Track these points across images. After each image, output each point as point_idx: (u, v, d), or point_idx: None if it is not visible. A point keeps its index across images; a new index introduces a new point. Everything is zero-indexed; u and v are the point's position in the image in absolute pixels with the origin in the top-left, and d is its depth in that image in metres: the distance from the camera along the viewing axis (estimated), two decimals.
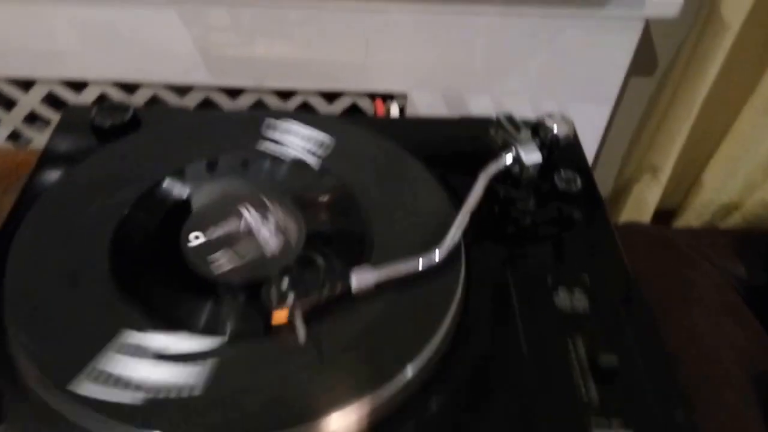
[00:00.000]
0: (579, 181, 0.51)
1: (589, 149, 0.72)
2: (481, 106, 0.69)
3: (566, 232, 0.48)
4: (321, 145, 0.50)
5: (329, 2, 0.60)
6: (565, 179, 0.52)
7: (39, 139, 0.72)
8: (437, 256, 0.40)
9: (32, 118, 0.71)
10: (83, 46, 0.63)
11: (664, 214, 0.92)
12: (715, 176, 0.84)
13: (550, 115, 0.52)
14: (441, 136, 0.55)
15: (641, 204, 0.89)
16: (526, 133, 0.50)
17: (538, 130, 0.52)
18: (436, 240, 0.41)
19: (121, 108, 0.53)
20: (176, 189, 0.46)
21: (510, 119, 0.51)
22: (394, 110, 0.68)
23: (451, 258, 0.41)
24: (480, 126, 0.52)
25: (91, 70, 0.66)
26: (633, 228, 0.84)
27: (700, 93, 0.76)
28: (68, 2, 0.60)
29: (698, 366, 0.61)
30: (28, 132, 0.72)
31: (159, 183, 0.46)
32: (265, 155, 0.49)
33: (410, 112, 0.70)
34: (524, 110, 0.69)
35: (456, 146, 0.53)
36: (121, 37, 0.62)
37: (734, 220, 0.85)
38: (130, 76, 0.66)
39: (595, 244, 0.47)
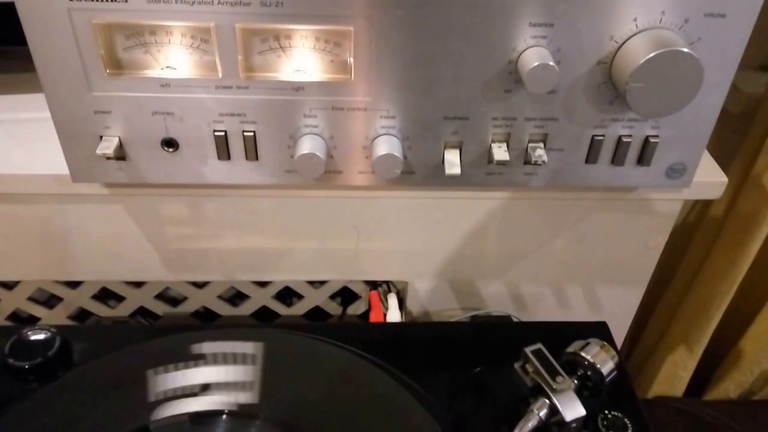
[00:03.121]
0: (630, 430, 0.40)
1: (618, 337, 0.61)
2: (493, 292, 0.58)
3: None
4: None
5: (305, 191, 0.50)
6: (612, 425, 0.41)
7: None
8: None
9: None
10: (9, 246, 0.52)
11: (696, 380, 0.81)
12: (756, 344, 0.74)
13: (587, 346, 0.42)
14: (449, 344, 0.46)
15: (673, 379, 0.79)
16: (565, 381, 0.39)
17: (575, 365, 0.42)
18: None
19: (46, 336, 0.42)
20: None
21: (538, 354, 0.41)
22: (392, 302, 0.57)
23: None
24: (495, 327, 0.47)
25: (23, 271, 0.55)
26: (666, 404, 0.76)
27: (741, 269, 0.67)
28: None
29: None
30: None
31: None
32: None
33: (411, 300, 0.59)
34: (544, 297, 0.60)
35: (466, 358, 0.44)
36: (56, 236, 0.51)
37: None
38: (68, 276, 0.55)
39: None
